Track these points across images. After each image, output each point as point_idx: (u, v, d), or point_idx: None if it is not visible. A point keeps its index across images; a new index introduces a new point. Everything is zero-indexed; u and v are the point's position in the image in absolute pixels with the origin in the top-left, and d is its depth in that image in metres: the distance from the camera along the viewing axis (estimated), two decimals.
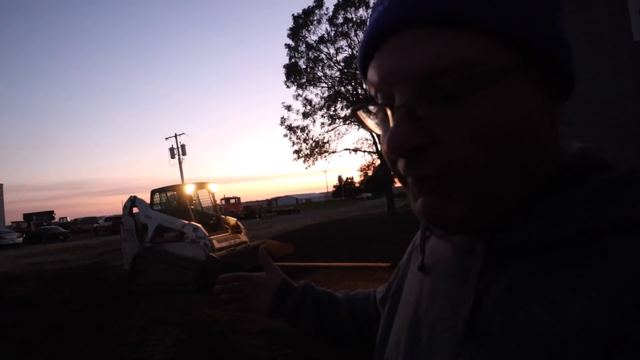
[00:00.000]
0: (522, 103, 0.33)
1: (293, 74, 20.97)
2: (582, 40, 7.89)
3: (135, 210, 8.60)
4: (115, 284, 8.26)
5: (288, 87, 21.39)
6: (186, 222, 7.89)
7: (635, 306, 0.27)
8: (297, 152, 22.05)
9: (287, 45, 20.99)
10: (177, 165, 32.53)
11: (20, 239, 26.20)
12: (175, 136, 32.57)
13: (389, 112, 0.35)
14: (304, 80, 21.04)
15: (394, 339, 0.48)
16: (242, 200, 41.73)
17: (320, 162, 23.44)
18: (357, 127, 22.70)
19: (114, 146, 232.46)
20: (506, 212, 0.36)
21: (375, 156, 22.71)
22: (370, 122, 0.41)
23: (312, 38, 20.83)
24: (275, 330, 4.60)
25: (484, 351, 0.34)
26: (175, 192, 9.04)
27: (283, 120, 21.85)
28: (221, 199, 37.69)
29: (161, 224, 8.20)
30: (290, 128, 21.84)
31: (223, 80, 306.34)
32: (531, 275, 0.33)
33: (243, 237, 8.63)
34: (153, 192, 9.01)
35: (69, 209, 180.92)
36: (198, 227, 7.69)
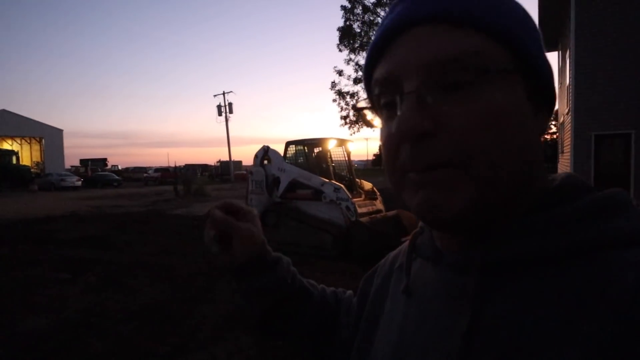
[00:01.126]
0: (517, 102, 0.36)
1: (347, 37, 20.44)
2: None
3: (266, 161, 7.92)
4: (174, 231, 8.88)
5: (340, 50, 21.05)
6: (326, 180, 7.13)
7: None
8: (344, 117, 21.89)
9: (343, 7, 20.36)
10: (224, 123, 33.32)
11: (80, 183, 28.34)
12: (224, 94, 33.15)
13: (397, 101, 0.37)
14: (357, 45, 20.50)
15: None
16: None
17: (364, 130, 23.23)
18: None
19: (162, 100, 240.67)
20: (499, 216, 0.36)
21: None
22: (374, 120, 0.42)
23: (370, 0, 20.04)
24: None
25: None
26: (312, 147, 8.11)
27: (333, 85, 21.65)
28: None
29: (296, 179, 7.42)
30: (340, 93, 21.59)
31: (275, 41, 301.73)
32: (530, 293, 0.33)
33: (379, 204, 7.66)
34: (288, 144, 8.23)
35: (118, 157, 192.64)
36: (340, 187, 6.92)
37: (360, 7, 20.05)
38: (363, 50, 20.83)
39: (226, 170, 36.90)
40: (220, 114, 33.42)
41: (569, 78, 10.13)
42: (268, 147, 7.89)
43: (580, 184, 0.38)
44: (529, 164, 0.37)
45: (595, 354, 0.28)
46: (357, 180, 8.12)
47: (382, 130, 0.40)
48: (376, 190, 7.97)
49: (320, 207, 7.03)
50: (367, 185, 8.09)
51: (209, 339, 3.59)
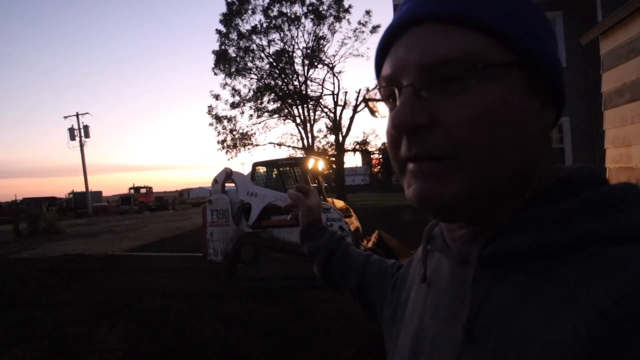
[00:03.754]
0: (514, 98, 0.37)
1: (222, 61, 20.37)
2: None
3: (229, 186, 6.80)
4: (25, 278, 7.27)
5: (216, 74, 20.87)
6: None
7: (624, 318, 0.27)
8: (222, 142, 21.51)
9: (218, 31, 20.43)
10: (78, 149, 29.24)
11: None
12: (77, 115, 29.14)
13: (396, 94, 0.39)
14: (233, 70, 20.59)
15: (400, 351, 0.50)
16: (154, 190, 38.70)
17: (242, 155, 23.26)
18: (283, 121, 22.91)
19: None
20: (494, 208, 0.38)
21: (299, 152, 23.14)
22: (380, 111, 0.46)
23: (245, 27, 20.51)
24: (232, 314, 4.67)
25: None
26: (288, 167, 7.28)
27: (210, 109, 21.19)
28: (130, 189, 34.65)
29: (272, 203, 6.44)
30: (217, 117, 21.23)
31: (141, 60, 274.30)
32: (525, 285, 0.34)
33: (356, 222, 7.10)
34: (256, 165, 7.23)
35: None
36: (330, 207, 6.20)
37: (236, 33, 20.37)
38: (239, 75, 21.00)
39: (82, 203, 31.99)
40: (73, 138, 29.18)
41: None
42: (231, 170, 6.82)
43: (585, 177, 0.39)
44: (524, 159, 0.37)
45: (573, 346, 0.29)
46: (328, 199, 7.51)
47: (387, 121, 0.43)
48: (350, 209, 7.56)
49: None
50: (339, 203, 7.66)
51: None
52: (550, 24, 0.41)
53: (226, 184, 6.82)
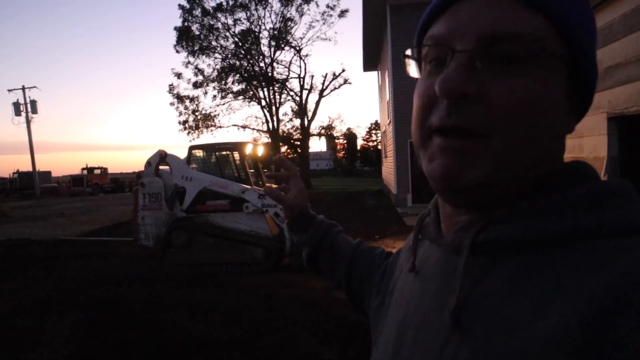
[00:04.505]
0: (557, 93, 0.37)
1: (185, 38, 19.46)
2: None
3: (162, 169, 6.60)
4: None
5: (178, 52, 19.91)
6: (247, 187, 6.31)
7: (613, 310, 0.28)
8: (183, 122, 20.75)
9: (181, 7, 19.40)
10: (24, 125, 27.21)
11: None
12: (23, 89, 26.98)
13: (448, 59, 0.38)
14: (196, 48, 19.71)
15: (384, 340, 0.50)
16: (109, 171, 36.72)
17: (206, 136, 22.39)
18: (248, 103, 22.39)
19: None
20: (504, 194, 0.38)
21: (264, 135, 22.77)
22: (414, 69, 0.44)
23: (210, 4, 19.69)
24: (194, 301, 4.55)
25: (465, 349, 0.35)
26: (226, 152, 7.02)
27: (172, 88, 20.31)
28: (82, 169, 32.71)
29: (208, 187, 6.39)
30: (179, 97, 20.36)
31: (96, 29, 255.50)
32: (516, 275, 0.35)
33: None
34: (192, 148, 7.00)
35: None
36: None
37: (200, 10, 19.44)
38: (203, 54, 20.16)
39: (28, 184, 29.86)
40: (18, 113, 27.00)
41: (389, 95, 12.17)
42: (165, 152, 6.59)
43: (579, 172, 0.39)
44: (544, 156, 0.38)
45: (562, 335, 0.29)
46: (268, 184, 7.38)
47: (420, 83, 0.41)
48: None
49: (239, 218, 6.27)
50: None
51: None
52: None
53: (160, 167, 6.61)
